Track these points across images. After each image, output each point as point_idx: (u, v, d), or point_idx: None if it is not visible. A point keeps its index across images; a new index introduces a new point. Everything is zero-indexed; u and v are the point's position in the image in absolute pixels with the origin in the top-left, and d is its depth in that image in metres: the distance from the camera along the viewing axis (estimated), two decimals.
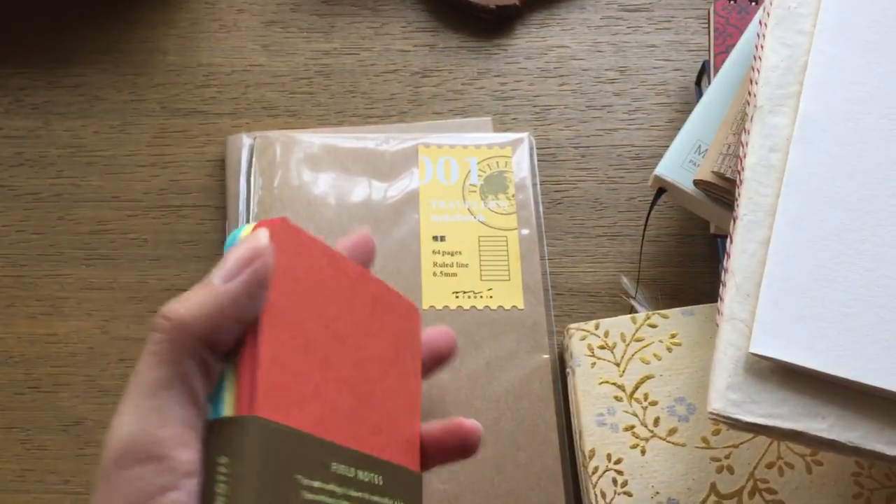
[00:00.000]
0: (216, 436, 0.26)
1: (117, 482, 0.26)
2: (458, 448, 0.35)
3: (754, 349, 0.37)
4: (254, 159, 0.53)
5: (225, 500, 0.25)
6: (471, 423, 0.35)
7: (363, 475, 0.30)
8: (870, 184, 0.39)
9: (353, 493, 0.29)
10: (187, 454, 0.26)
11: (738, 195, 0.41)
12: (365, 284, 0.33)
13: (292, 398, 0.28)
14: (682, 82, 0.57)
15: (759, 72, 0.42)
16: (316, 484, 0.28)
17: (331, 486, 0.28)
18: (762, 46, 0.43)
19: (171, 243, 0.54)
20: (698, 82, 0.56)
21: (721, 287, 0.40)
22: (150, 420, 0.26)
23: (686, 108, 0.56)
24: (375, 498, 0.31)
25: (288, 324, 0.28)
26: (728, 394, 0.37)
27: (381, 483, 0.31)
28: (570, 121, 0.57)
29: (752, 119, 0.42)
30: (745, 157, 0.41)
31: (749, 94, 0.43)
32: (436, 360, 0.37)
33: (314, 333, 0.29)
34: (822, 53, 0.42)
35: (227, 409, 0.27)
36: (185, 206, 0.54)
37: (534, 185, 0.53)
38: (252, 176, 0.52)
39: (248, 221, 0.52)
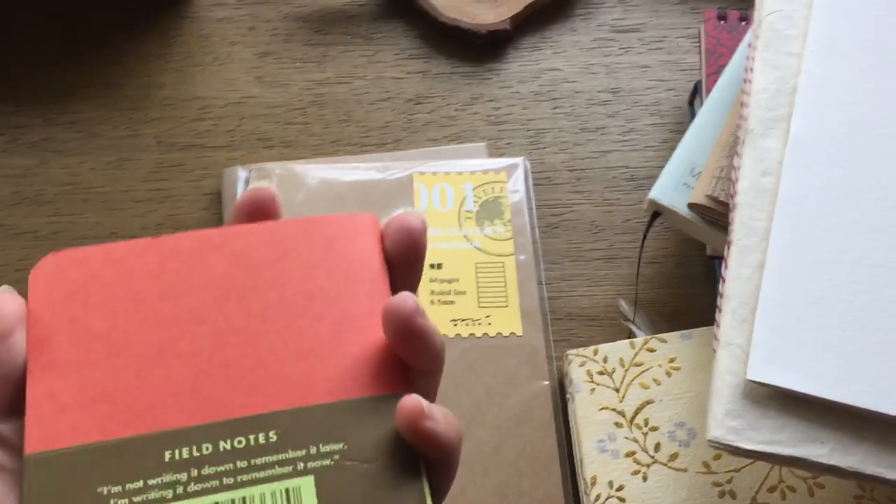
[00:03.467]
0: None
1: None
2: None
3: (752, 376, 0.37)
4: None
5: None
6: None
7: (231, 443, 0.27)
8: (863, 205, 0.39)
9: (217, 469, 0.27)
10: None
11: (732, 220, 0.41)
12: (237, 244, 0.30)
13: (78, 418, 0.27)
14: (675, 102, 0.58)
15: (749, 95, 0.43)
16: (136, 485, 0.27)
17: (169, 477, 0.27)
18: (752, 69, 0.43)
19: None
20: (691, 102, 0.56)
21: (717, 312, 0.40)
22: None
23: (680, 129, 0.56)
24: (266, 458, 0.27)
25: (60, 352, 0.28)
26: (727, 421, 0.37)
27: (275, 439, 0.27)
28: (564, 144, 0.57)
29: (743, 142, 0.42)
30: (737, 181, 0.41)
31: (740, 116, 0.43)
32: (409, 250, 0.30)
33: (113, 339, 0.29)
34: (811, 75, 0.42)
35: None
36: None
37: (529, 209, 0.53)
38: None
39: None
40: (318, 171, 0.54)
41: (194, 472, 0.27)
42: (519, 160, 0.54)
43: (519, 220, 0.53)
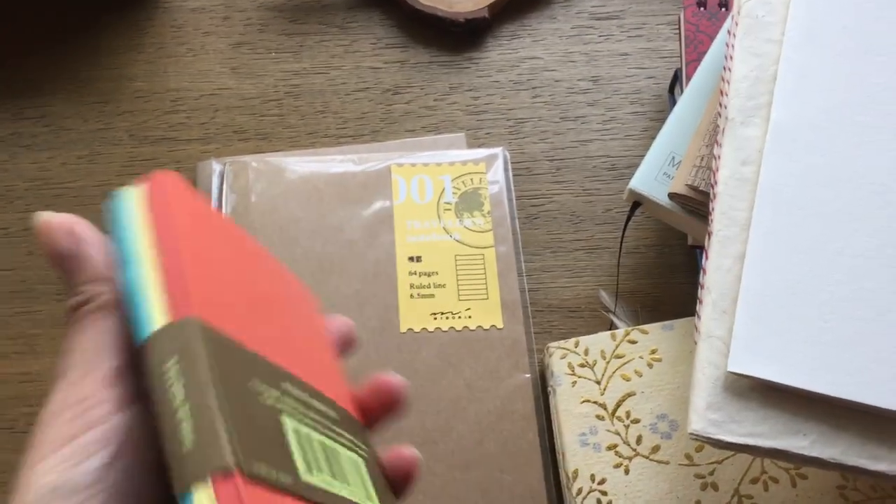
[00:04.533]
0: (152, 353, 0.24)
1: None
2: (387, 405, 0.33)
3: (732, 368, 0.36)
4: (225, 185, 0.52)
5: (183, 398, 0.22)
6: (395, 378, 0.33)
7: (317, 404, 0.28)
8: (844, 193, 0.38)
9: (313, 416, 0.27)
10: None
11: (712, 210, 0.40)
12: (256, 251, 0.31)
13: (226, 312, 0.25)
14: (655, 90, 0.57)
15: (728, 83, 0.42)
16: (274, 393, 0.26)
17: (288, 402, 0.26)
18: (731, 57, 0.43)
19: None
20: (671, 90, 0.56)
21: (698, 304, 0.39)
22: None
23: (660, 117, 0.56)
24: (336, 429, 0.28)
25: (201, 248, 0.26)
26: (708, 414, 0.36)
27: (336, 417, 0.29)
28: (544, 133, 0.56)
29: (723, 131, 0.41)
30: (717, 170, 0.41)
31: (720, 105, 0.42)
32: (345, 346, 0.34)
33: (227, 267, 0.27)
34: (790, 62, 0.41)
35: (156, 324, 0.24)
36: None
37: (509, 200, 0.53)
38: (223, 202, 0.52)
39: None
40: (294, 165, 0.53)
41: (304, 409, 0.27)
42: (498, 150, 0.54)
43: (499, 211, 0.52)
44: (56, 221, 0.28)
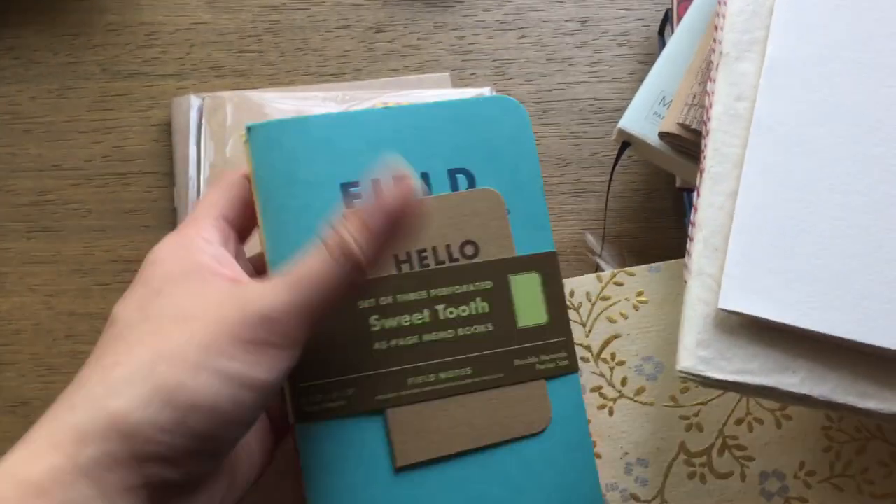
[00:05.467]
0: None
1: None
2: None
3: (723, 304, 0.36)
4: (203, 121, 0.50)
5: None
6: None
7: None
8: (839, 130, 0.38)
9: None
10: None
11: (704, 146, 0.39)
12: None
13: None
14: (644, 32, 0.56)
15: (723, 17, 0.41)
16: None
17: None
18: None
19: (117, 213, 0.51)
20: (661, 32, 0.55)
21: (688, 242, 0.38)
22: None
23: (649, 59, 0.55)
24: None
25: None
26: (698, 351, 0.36)
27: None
28: (530, 75, 0.55)
29: (717, 67, 0.40)
30: (710, 106, 0.40)
31: (714, 41, 0.41)
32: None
33: None
34: None
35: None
36: (130, 173, 0.52)
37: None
38: (202, 139, 0.50)
39: (199, 187, 0.49)
40: (274, 101, 0.51)
41: None
42: (486, 90, 0.52)
43: None
44: None
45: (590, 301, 0.44)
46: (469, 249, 0.37)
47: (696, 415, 0.42)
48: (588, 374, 0.43)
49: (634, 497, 0.42)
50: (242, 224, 0.36)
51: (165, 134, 0.52)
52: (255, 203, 0.36)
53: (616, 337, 0.44)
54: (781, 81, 0.38)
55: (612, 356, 0.44)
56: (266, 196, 0.36)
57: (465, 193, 0.38)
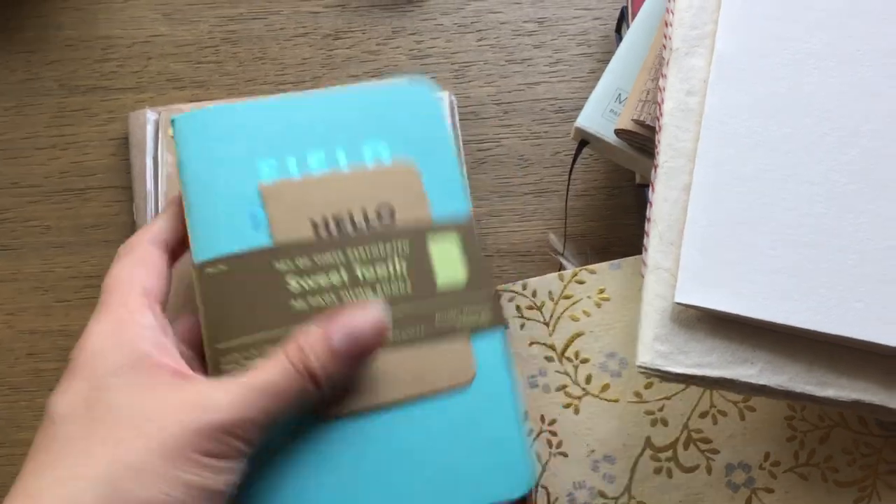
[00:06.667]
0: None
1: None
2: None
3: (679, 298, 0.36)
4: (160, 135, 0.50)
5: None
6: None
7: None
8: (789, 121, 0.38)
9: None
10: None
11: (658, 142, 0.39)
12: None
13: None
14: (602, 31, 0.56)
15: (673, 13, 0.41)
16: None
17: None
18: None
19: (77, 228, 0.51)
20: (618, 30, 0.55)
21: (645, 237, 0.38)
22: None
23: (607, 58, 0.55)
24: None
25: None
26: (656, 345, 0.36)
27: None
28: (490, 77, 0.55)
29: (668, 63, 0.40)
30: (663, 102, 0.40)
31: (665, 36, 0.41)
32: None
33: None
34: None
35: None
36: (89, 188, 0.52)
37: (456, 145, 0.51)
38: (159, 153, 0.50)
39: (156, 201, 0.49)
40: None
41: None
42: (444, 95, 0.52)
43: None
44: None
45: (552, 300, 0.44)
46: (386, 215, 0.39)
47: (660, 409, 0.42)
48: (553, 374, 0.43)
49: (602, 494, 0.42)
50: (177, 246, 0.38)
51: (124, 148, 0.52)
52: (182, 190, 0.38)
53: (579, 335, 0.44)
54: (730, 75, 0.39)
55: (577, 354, 0.44)
56: (189, 178, 0.38)
57: (381, 167, 0.40)
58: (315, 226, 0.38)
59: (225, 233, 0.37)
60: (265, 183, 0.38)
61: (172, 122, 0.39)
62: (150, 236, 0.37)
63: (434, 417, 0.37)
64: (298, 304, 0.37)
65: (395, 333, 0.37)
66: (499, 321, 0.39)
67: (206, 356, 0.36)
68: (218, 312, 0.36)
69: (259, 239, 0.37)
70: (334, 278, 0.37)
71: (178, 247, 0.38)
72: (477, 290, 0.39)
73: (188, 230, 0.38)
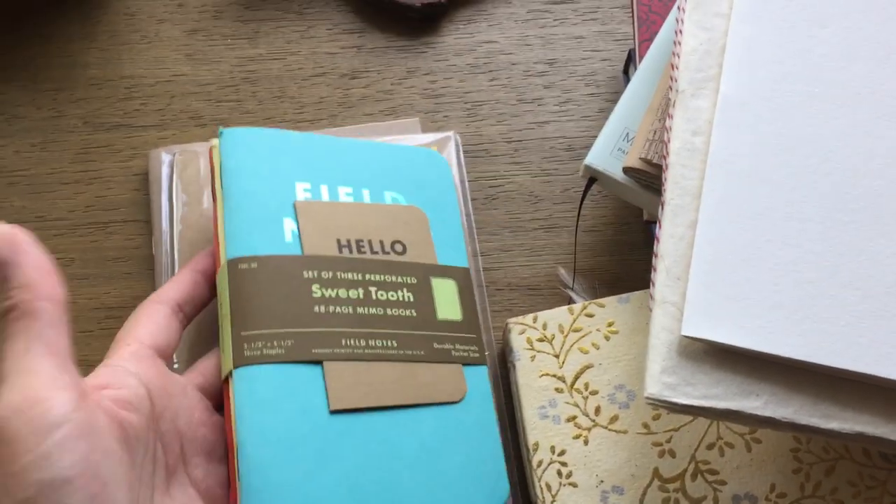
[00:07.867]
0: None
1: None
2: None
3: (686, 331, 0.37)
4: (175, 175, 0.52)
5: None
6: None
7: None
8: (792, 161, 0.39)
9: None
10: None
11: (665, 180, 0.41)
12: None
13: None
14: (610, 72, 0.58)
15: (679, 56, 0.43)
16: None
17: None
18: (681, 31, 0.43)
19: (100, 261, 0.52)
20: (626, 71, 0.57)
21: (652, 272, 0.40)
22: None
23: (615, 98, 0.57)
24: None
25: None
26: (663, 377, 0.37)
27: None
28: (501, 115, 0.56)
29: (674, 104, 0.42)
30: (669, 142, 0.41)
31: (671, 79, 0.43)
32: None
33: None
34: (738, 35, 0.42)
35: None
36: (112, 222, 0.53)
37: (462, 182, 0.53)
38: (174, 192, 0.51)
39: (172, 240, 0.50)
40: None
41: None
42: (450, 134, 0.54)
43: None
44: None
45: (562, 333, 0.45)
46: (399, 248, 0.45)
47: (668, 441, 0.43)
48: (563, 405, 0.44)
49: None
50: (193, 308, 0.43)
51: (146, 183, 0.54)
52: (217, 192, 0.43)
53: (588, 367, 0.45)
54: (735, 116, 0.40)
55: (586, 386, 0.45)
56: (230, 184, 0.43)
57: (397, 205, 0.46)
58: (339, 245, 0.43)
59: (258, 236, 0.42)
60: (300, 200, 0.43)
61: (220, 133, 0.45)
62: (156, 297, 0.41)
63: (428, 424, 0.41)
64: (319, 308, 0.41)
65: (400, 350, 0.42)
66: (484, 361, 0.44)
67: (231, 344, 0.39)
68: (246, 304, 0.40)
69: (289, 247, 0.42)
70: (352, 293, 0.42)
71: (187, 306, 0.42)
72: (470, 330, 0.44)
73: (221, 229, 0.42)
